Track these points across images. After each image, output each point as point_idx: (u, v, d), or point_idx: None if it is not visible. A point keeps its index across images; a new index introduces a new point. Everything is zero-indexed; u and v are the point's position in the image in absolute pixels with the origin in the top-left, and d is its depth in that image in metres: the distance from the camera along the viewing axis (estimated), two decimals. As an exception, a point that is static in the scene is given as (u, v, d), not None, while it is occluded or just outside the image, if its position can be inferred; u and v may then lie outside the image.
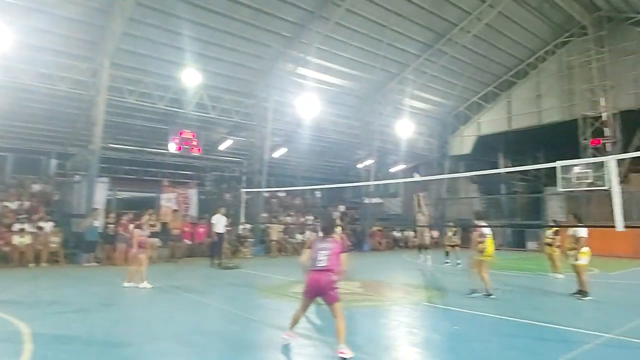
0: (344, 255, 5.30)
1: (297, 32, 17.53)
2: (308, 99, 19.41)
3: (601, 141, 20.66)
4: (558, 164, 16.09)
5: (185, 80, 16.74)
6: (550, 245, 11.99)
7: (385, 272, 13.76)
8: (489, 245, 8.90)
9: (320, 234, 5.50)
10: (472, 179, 27.59)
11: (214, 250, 14.16)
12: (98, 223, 14.19)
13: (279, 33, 17.37)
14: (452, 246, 15.33)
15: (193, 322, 6.55)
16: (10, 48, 12.99)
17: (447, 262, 14.91)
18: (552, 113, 23.64)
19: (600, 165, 18.86)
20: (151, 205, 18.36)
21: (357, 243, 22.66)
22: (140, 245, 9.51)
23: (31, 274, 11.45)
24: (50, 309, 7.25)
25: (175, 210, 12.45)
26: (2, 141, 18.83)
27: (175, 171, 21.62)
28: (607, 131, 20.67)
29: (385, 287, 10.34)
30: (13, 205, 14.87)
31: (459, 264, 14.31)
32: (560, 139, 23.60)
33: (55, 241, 13.75)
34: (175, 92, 16.96)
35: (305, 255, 5.37)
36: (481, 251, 8.87)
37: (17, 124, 18.02)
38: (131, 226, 10.55)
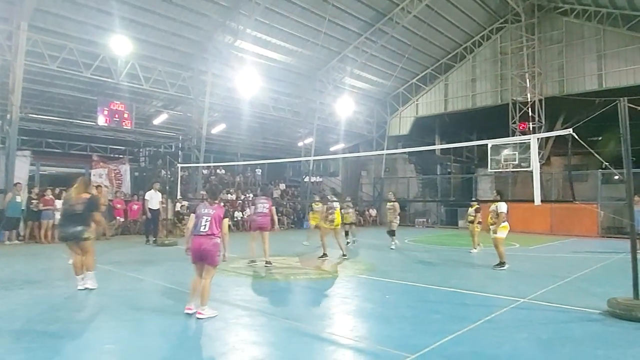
0: (226, 221, 5.67)
1: (236, 3, 17.13)
2: (248, 73, 19.16)
3: (527, 125, 22.28)
4: (489, 142, 17.22)
5: (115, 48, 15.87)
6: (472, 222, 12.77)
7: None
8: (337, 217, 10.99)
9: (209, 199, 5.79)
10: (409, 160, 28.76)
11: (148, 227, 13.83)
12: (20, 199, 13.31)
13: (217, 2, 16.88)
14: (349, 224, 14.23)
15: (125, 297, 6.47)
16: None
17: (348, 242, 13.86)
18: (485, 97, 25.07)
19: (527, 148, 20.40)
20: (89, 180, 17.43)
21: (297, 220, 23.05)
22: None
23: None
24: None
25: (98, 186, 11.89)
26: None
27: (106, 145, 20.59)
28: (530, 114, 22.25)
29: (322, 261, 10.68)
30: None
31: (354, 241, 14.30)
32: (492, 123, 25.19)
33: (-29, 218, 12.81)
34: (103, 61, 16.02)
35: (191, 221, 5.62)
36: (331, 221, 10.88)
37: None
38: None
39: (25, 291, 6.57)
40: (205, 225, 5.43)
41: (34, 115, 16.93)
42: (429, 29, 22.52)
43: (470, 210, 13.13)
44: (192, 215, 5.67)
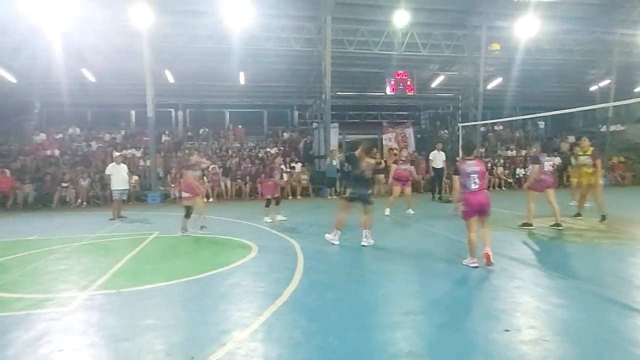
0: (486, 174, 5.79)
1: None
2: (525, 19, 16.92)
3: None
4: None
5: (396, 22, 16.66)
6: None
7: (631, 209, 11.61)
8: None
9: (464, 156, 5.73)
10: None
11: (434, 185, 14.42)
12: (335, 162, 16.08)
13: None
14: None
15: (426, 248, 7.01)
16: (255, 20, 15.07)
17: None
18: None
19: None
20: (375, 145, 19.67)
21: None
22: (398, 179, 10.70)
23: (290, 205, 13.89)
24: (310, 230, 8.87)
25: (390, 149, 13.01)
26: (258, 100, 22.79)
27: (393, 112, 22.40)
28: None
29: (634, 224, 8.80)
30: (272, 150, 18.15)
31: None
32: None
33: (304, 178, 16.41)
34: (387, 36, 17.13)
35: (456, 182, 5.68)
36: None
37: (266, 84, 21.43)
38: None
39: (347, 236, 7.82)
40: (476, 182, 5.50)
41: (339, 93, 19.84)
42: None
43: None
44: (456, 177, 5.70)
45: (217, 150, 19.53)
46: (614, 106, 20.29)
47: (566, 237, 7.56)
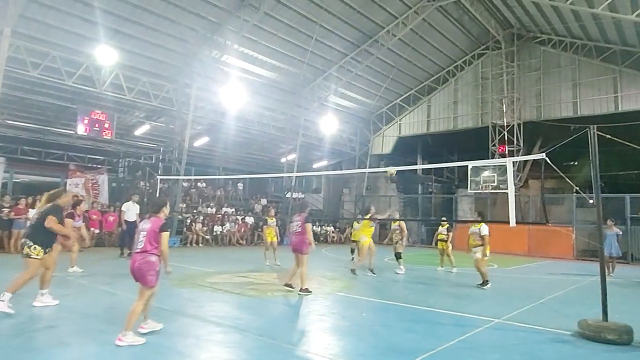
0: (164, 235, 5.00)
1: (225, 18, 17.27)
2: (233, 88, 19.20)
3: (506, 148, 22.82)
4: (469, 163, 17.54)
5: (99, 58, 15.78)
6: (444, 241, 13.17)
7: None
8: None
9: (151, 214, 5.22)
10: (391, 179, 28.99)
11: (124, 239, 13.53)
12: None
13: (205, 17, 16.98)
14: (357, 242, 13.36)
15: (99, 311, 6.30)
16: None
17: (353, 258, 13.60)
18: (466, 119, 25.63)
19: (505, 170, 20.78)
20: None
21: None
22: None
23: None
24: None
25: (74, 196, 11.57)
26: None
27: (85, 155, 20.28)
28: (509, 138, 22.85)
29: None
30: None
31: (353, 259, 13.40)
32: (473, 145, 25.71)
33: None
34: (87, 70, 15.90)
35: (165, 238, 5.04)
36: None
37: None
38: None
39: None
40: (141, 241, 4.97)
41: (11, 122, 16.61)
42: (413, 52, 23.04)
43: (442, 229, 13.30)
44: (165, 234, 5.08)
45: None
46: (297, 177, 24.91)
47: (245, 292, 8.34)
